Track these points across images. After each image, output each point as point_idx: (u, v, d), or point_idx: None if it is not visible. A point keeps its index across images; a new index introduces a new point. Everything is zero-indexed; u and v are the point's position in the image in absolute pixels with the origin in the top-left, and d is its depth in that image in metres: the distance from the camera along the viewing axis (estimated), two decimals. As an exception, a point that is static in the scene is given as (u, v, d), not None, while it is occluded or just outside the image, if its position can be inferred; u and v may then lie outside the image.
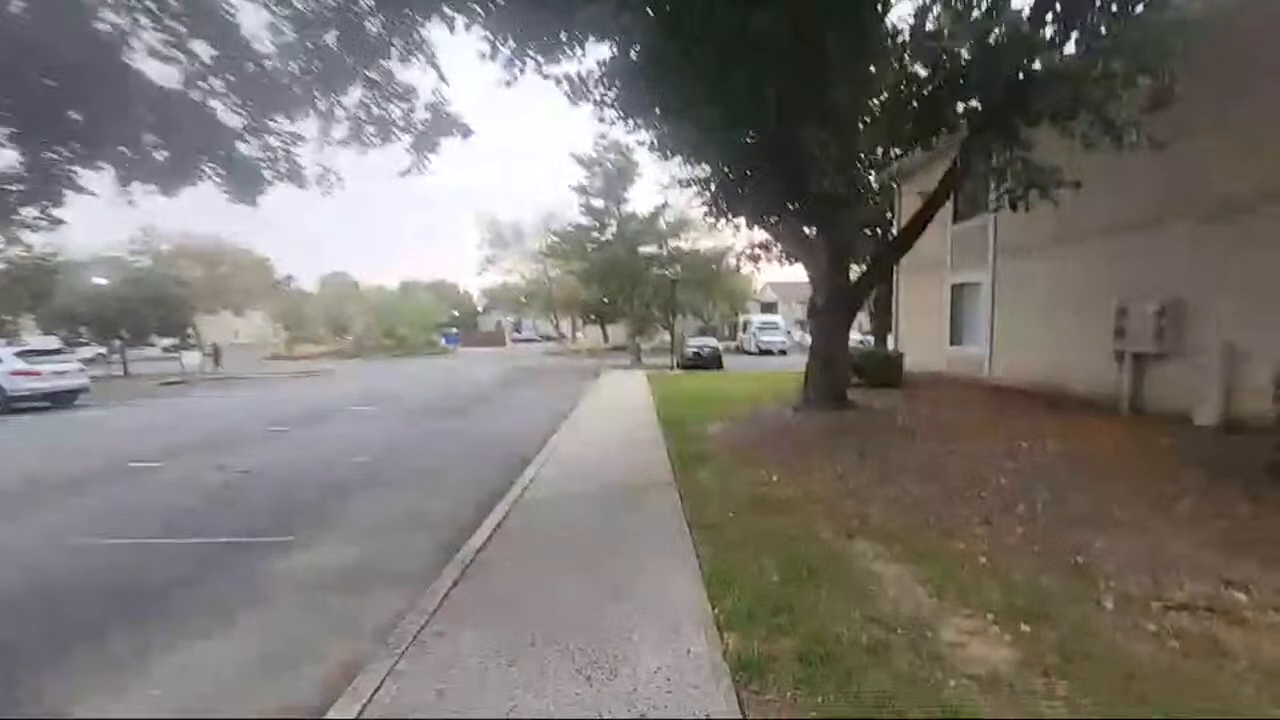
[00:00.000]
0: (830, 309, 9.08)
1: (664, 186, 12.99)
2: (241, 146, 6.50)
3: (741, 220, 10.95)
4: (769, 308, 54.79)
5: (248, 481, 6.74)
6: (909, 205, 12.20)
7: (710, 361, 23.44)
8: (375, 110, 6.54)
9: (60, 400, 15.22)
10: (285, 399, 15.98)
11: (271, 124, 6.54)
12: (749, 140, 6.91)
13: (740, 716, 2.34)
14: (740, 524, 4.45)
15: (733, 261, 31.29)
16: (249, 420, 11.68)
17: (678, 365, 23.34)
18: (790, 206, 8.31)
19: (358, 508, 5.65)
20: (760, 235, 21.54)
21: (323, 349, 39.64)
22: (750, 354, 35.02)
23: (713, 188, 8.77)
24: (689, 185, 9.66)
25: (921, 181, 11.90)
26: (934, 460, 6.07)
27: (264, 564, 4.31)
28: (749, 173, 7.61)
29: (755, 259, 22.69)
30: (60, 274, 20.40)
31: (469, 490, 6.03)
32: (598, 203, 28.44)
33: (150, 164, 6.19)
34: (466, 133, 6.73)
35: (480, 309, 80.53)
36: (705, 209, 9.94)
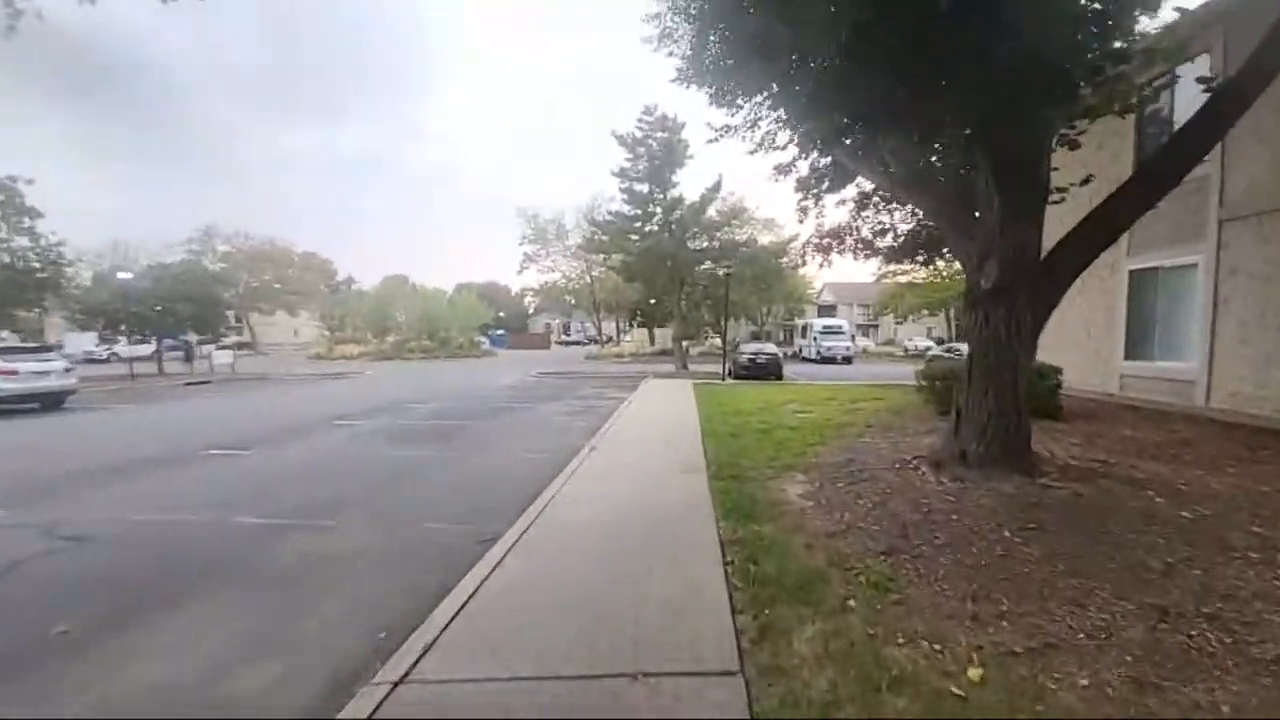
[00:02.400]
0: (1005, 293, 4.87)
1: (719, 132, 7.69)
2: None
3: (828, 178, 7.77)
4: (827, 311, 50.08)
5: (41, 567, 4.15)
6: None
7: (769, 370, 19.96)
8: None
9: (47, 401, 13.94)
10: (279, 407, 14.15)
11: None
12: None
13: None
14: None
15: (797, 256, 27.54)
16: (206, 435, 9.46)
17: (730, 374, 19.93)
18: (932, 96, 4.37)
19: (126, 674, 2.86)
20: (833, 220, 17.97)
21: (361, 349, 38.68)
22: (811, 361, 31.37)
23: (802, 100, 5.35)
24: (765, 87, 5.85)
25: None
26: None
27: None
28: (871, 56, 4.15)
29: (826, 250, 19.04)
30: (70, 266, 19.40)
31: (347, 634, 3.15)
32: (641, 188, 25.33)
33: None
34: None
35: (530, 310, 79.24)
36: (789, 139, 6.67)
